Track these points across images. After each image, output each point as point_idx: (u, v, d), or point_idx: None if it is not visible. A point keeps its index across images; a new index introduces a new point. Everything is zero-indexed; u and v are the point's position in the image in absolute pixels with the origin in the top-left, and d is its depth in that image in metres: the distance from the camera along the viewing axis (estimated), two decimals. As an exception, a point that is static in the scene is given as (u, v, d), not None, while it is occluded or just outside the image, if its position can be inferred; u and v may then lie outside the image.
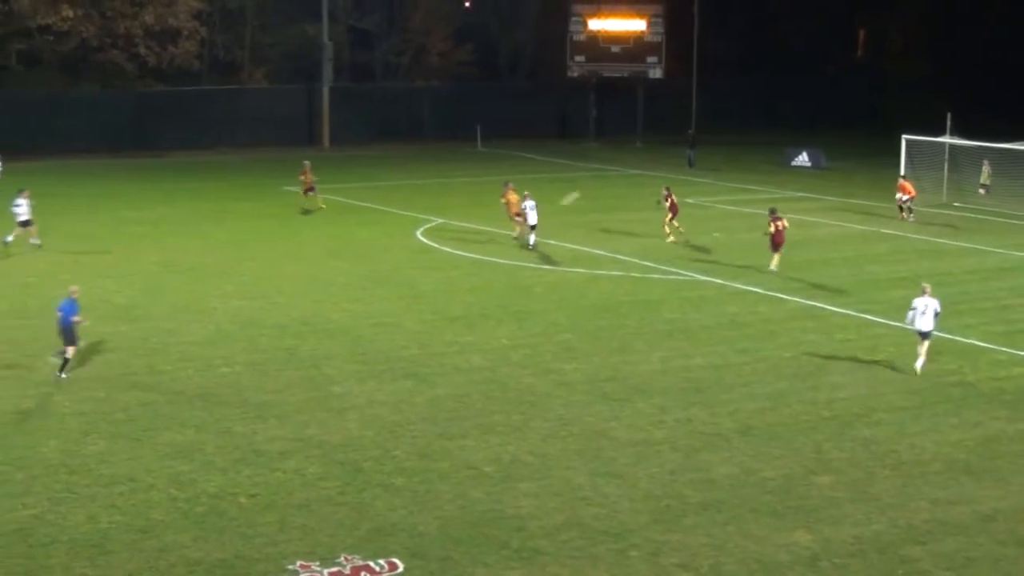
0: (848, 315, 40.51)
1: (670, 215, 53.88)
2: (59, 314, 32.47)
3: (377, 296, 42.26)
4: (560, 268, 47.68)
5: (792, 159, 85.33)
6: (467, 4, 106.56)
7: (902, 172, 65.27)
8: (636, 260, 49.10)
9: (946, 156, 66.85)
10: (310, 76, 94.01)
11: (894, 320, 39.16)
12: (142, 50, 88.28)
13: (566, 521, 23.75)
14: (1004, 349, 36.57)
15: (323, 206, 59.63)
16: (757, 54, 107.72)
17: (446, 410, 30.36)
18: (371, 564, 21.42)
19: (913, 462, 27.29)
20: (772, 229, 47.12)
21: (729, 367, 34.42)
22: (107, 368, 33.42)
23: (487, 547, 22.60)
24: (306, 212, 58.67)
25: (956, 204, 65.07)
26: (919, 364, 34.21)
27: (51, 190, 63.27)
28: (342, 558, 21.34)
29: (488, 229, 51.92)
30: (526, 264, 48.21)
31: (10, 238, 49.23)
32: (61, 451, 27.14)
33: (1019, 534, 23.51)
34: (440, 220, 57.67)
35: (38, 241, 49.76)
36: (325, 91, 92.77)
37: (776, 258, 47.07)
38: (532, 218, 50.40)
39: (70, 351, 32.38)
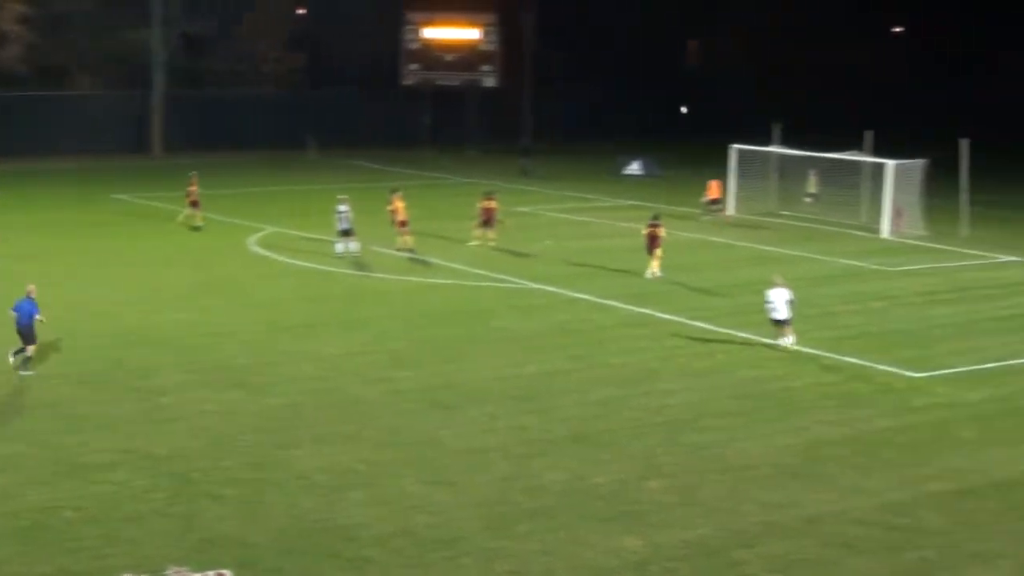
0: (678, 322, 40.96)
1: (481, 220, 54.26)
2: (14, 314, 33.16)
3: (209, 305, 41.80)
4: (392, 277, 47.56)
5: (625, 168, 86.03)
6: (300, 11, 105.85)
7: (731, 180, 66.39)
8: (469, 269, 49.17)
9: (773, 165, 67.94)
10: (141, 82, 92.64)
11: (723, 327, 39.74)
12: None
13: (398, 529, 23.68)
14: (830, 355, 37.25)
15: (201, 223, 58.33)
16: (592, 64, 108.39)
17: (277, 420, 30.13)
18: (200, 576, 21.18)
19: (741, 467, 27.68)
20: (645, 231, 47.72)
21: (560, 374, 34.62)
22: (-73, 380, 32.63)
23: (318, 557, 22.45)
24: (195, 228, 57.38)
25: (784, 212, 66.15)
26: (787, 341, 37.14)
27: None
28: (170, 570, 20.98)
29: (321, 238, 51.60)
30: (358, 273, 48.04)
31: None
32: None
33: (843, 536, 23.95)
34: (273, 228, 57.23)
35: None
36: (156, 98, 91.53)
37: (653, 264, 47.61)
38: (344, 223, 50.27)
39: (30, 349, 33.00)
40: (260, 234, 56.12)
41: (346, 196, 51.71)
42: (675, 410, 31.66)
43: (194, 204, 58.10)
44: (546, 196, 72.77)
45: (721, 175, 66.91)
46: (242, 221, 58.34)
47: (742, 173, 67.24)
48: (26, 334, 33.29)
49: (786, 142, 67.64)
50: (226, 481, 25.98)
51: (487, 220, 54.33)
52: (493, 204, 54.44)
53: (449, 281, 46.89)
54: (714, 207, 65.52)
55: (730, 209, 66.16)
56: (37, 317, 33.26)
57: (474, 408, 31.35)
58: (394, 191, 53.73)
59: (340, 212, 50.79)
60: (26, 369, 33.40)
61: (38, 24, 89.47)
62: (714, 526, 24.31)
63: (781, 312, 37.39)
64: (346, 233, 50.65)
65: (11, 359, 33.55)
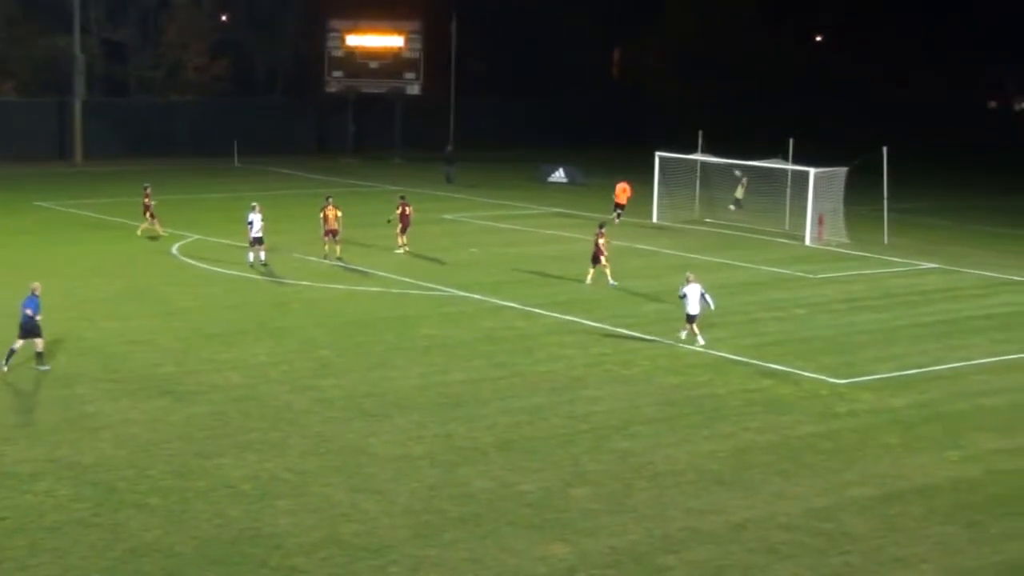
0: (604, 329, 41.10)
1: (400, 226, 54.32)
2: (27, 311, 33.94)
3: (132, 313, 41.52)
4: (318, 284, 47.42)
5: (549, 175, 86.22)
6: (223, 18, 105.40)
7: (655, 188, 66.78)
8: (395, 276, 49.10)
9: (697, 173, 68.32)
10: (62, 89, 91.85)
11: (648, 334, 39.93)
12: None
13: (325, 538, 23.62)
14: (754, 362, 37.51)
15: (163, 233, 57.53)
16: (517, 73, 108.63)
17: (203, 428, 29.96)
18: (125, 586, 21.03)
19: (668, 473, 27.83)
20: (601, 241, 47.82)
21: (487, 382, 34.65)
22: None
23: (245, 566, 22.36)
24: (153, 238, 56.79)
25: (708, 220, 66.56)
26: (684, 334, 38.80)
27: None
28: (95, 581, 20.87)
29: (245, 246, 51.32)
30: (283, 281, 47.85)
31: None
32: None
33: (768, 542, 24.13)
34: (196, 236, 56.90)
35: None
36: (77, 105, 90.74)
37: (592, 271, 47.82)
38: (256, 231, 50.05)
39: (39, 343, 34.02)
40: (183, 242, 55.78)
41: (257, 204, 51.40)
42: (601, 417, 31.77)
43: (151, 215, 57.61)
44: (471, 203, 72.84)
45: (646, 182, 67.25)
46: (164, 229, 57.90)
47: (666, 181, 67.58)
48: (30, 329, 33.88)
49: (710, 150, 68.02)
50: (151, 490, 25.82)
51: (405, 226, 54.36)
52: (408, 209, 54.49)
53: (375, 289, 46.82)
54: (621, 210, 65.89)
55: (654, 216, 66.49)
56: (29, 312, 33.86)
57: (401, 416, 31.33)
58: (327, 198, 53.53)
59: (251, 221, 50.49)
60: (41, 364, 34.28)
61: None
62: (641, 532, 24.43)
63: (695, 307, 38.60)
64: (257, 242, 50.42)
65: (8, 361, 34.27)
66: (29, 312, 33.96)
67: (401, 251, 53.92)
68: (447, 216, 66.99)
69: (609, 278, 47.71)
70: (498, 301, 44.97)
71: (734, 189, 68.07)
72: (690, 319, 38.97)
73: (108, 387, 33.11)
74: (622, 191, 66.77)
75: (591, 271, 47.96)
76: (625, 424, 31.24)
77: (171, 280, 47.65)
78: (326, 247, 51.74)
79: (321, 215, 52.18)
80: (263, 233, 50.07)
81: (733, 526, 24.91)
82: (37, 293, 34.42)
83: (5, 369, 34.12)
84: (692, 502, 26.12)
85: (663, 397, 33.73)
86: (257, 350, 37.37)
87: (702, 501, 26.20)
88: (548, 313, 43.32)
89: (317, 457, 28.21)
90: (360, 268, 50.50)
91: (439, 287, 47.30)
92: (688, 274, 39.85)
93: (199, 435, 29.45)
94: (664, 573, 22.70)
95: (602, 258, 47.74)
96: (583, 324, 41.87)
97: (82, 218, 63.20)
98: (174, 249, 54.11)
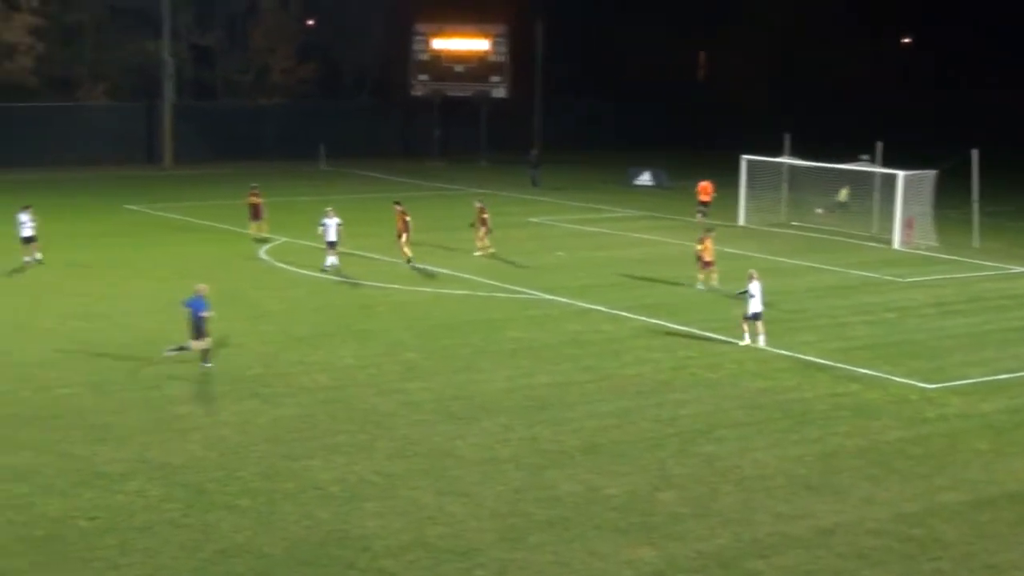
0: (691, 333, 40.97)
1: (482, 230, 54.39)
2: (188, 309, 35.22)
3: (221, 315, 41.73)
4: (404, 287, 47.60)
5: (635, 178, 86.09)
6: (310, 22, 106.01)
7: (742, 191, 66.57)
8: (481, 279, 49.20)
9: (784, 176, 67.96)
10: (151, 93, 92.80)
11: (735, 338, 39.70)
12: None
13: (412, 540, 23.69)
14: (841, 366, 37.23)
15: (268, 235, 58.07)
16: (601, 75, 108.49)
17: (291, 430, 30.15)
18: (215, 586, 21.18)
19: (755, 477, 27.68)
20: (699, 247, 47.73)
21: (573, 385, 34.62)
22: (-59, 390, 32.71)
23: (333, 568, 22.47)
24: (262, 240, 57.41)
25: (795, 223, 66.16)
26: (762, 340, 38.82)
27: None
28: (185, 581, 21.04)
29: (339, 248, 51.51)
30: (368, 284, 48.06)
31: (39, 256, 50.44)
32: None
33: (858, 547, 23.93)
34: (284, 239, 57.26)
35: (39, 256, 50.47)
36: (166, 109, 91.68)
37: (703, 275, 47.85)
38: (331, 235, 50.24)
39: (200, 343, 35.14)
40: (271, 245, 56.17)
41: (331, 208, 51.66)
42: (688, 421, 31.66)
43: (256, 215, 58.20)
44: (556, 206, 72.83)
45: (731, 185, 67.09)
46: (249, 233, 58.34)
47: (752, 184, 67.30)
48: (197, 329, 34.90)
49: (796, 153, 67.65)
50: (241, 492, 26.01)
51: (480, 225, 54.54)
52: (486, 212, 54.68)
53: (461, 292, 46.92)
54: (703, 208, 66.03)
55: (740, 220, 66.23)
56: (204, 314, 35.03)
57: (488, 419, 31.38)
58: (396, 203, 53.70)
59: (324, 224, 50.65)
60: (207, 361, 35.35)
61: (49, 35, 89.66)
62: (729, 537, 24.31)
63: (758, 305, 38.98)
64: (331, 246, 50.52)
65: (169, 353, 35.51)
66: (199, 312, 35.02)
67: (480, 253, 53.98)
68: (533, 219, 67.04)
69: (704, 282, 47.42)
70: (584, 304, 44.93)
71: (824, 193, 67.47)
72: (754, 317, 39.16)
73: (198, 389, 33.42)
74: (703, 189, 66.76)
75: (702, 275, 47.76)
76: (712, 428, 31.11)
77: (259, 283, 48.02)
78: (405, 249, 51.79)
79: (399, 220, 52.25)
80: (337, 238, 50.25)
81: (822, 531, 24.74)
82: (204, 294, 35.47)
83: (211, 366, 35.29)
84: (780, 507, 25.96)
85: (750, 401, 33.56)
86: (344, 353, 37.57)
87: (790, 506, 26.04)
88: (635, 316, 43.23)
89: (404, 460, 28.31)
90: (443, 271, 50.58)
91: (525, 290, 47.33)
92: (751, 271, 39.98)
93: (287, 437, 29.65)
94: (752, 578, 22.62)
95: (702, 262, 47.62)
96: (670, 327, 41.75)
97: (171, 221, 63.81)
98: (262, 252, 54.50)
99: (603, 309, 44.24)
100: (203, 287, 35.94)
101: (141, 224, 63.36)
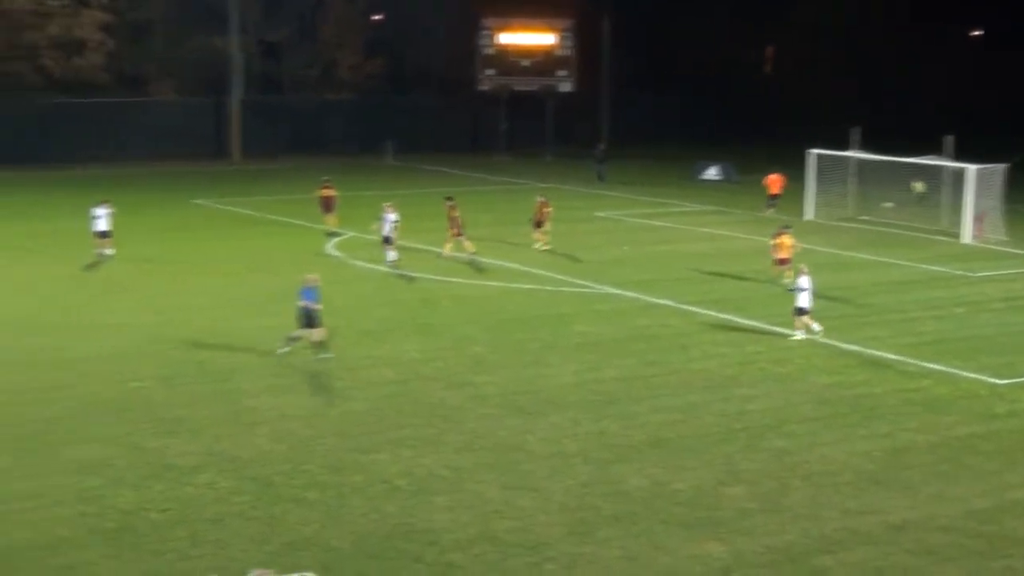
0: (758, 327, 40.79)
1: (538, 224, 54.44)
2: (302, 302, 35.81)
3: (288, 309, 41.98)
4: (470, 281, 47.67)
5: (702, 173, 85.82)
6: (377, 17, 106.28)
7: (810, 185, 66.27)
8: (547, 273, 49.21)
9: (852, 170, 67.53)
10: (219, 89, 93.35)
11: (806, 333, 39.48)
12: (47, 61, 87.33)
13: (480, 534, 23.74)
14: (911, 361, 36.97)
15: (336, 229, 58.57)
16: (667, 69, 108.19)
17: (358, 424, 30.28)
18: (284, 578, 21.28)
19: (824, 473, 27.53)
20: (775, 242, 47.66)
21: (640, 379, 34.57)
22: (13, 382, 33.02)
23: (400, 561, 22.54)
24: (332, 235, 57.84)
25: (862, 217, 65.76)
26: (817, 327, 39.00)
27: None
28: (255, 573, 21.11)
29: (402, 243, 51.65)
30: (436, 278, 48.15)
31: (110, 251, 50.94)
32: (-33, 467, 26.81)
33: (928, 544, 23.77)
34: (351, 233, 57.44)
35: (110, 251, 50.94)
36: (234, 104, 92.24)
37: (777, 272, 47.57)
38: (386, 230, 50.41)
39: (315, 334, 35.74)
40: (339, 239, 56.39)
41: (389, 204, 51.72)
42: (755, 416, 31.53)
43: (328, 208, 58.62)
44: (623, 201, 72.70)
45: (798, 179, 66.81)
46: (320, 226, 58.64)
47: (820, 178, 66.93)
48: (308, 319, 35.48)
49: (864, 146, 67.22)
50: (308, 485, 26.14)
51: (540, 221, 54.55)
52: (546, 208, 54.73)
53: (527, 286, 46.93)
54: (773, 202, 65.93)
55: (808, 214, 65.90)
56: (316, 306, 35.67)
57: (555, 413, 31.37)
58: (447, 199, 53.87)
59: (387, 220, 50.63)
60: (324, 352, 35.87)
61: (118, 32, 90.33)
62: (797, 532, 24.21)
63: (807, 299, 39.10)
64: (387, 241, 50.54)
65: (285, 348, 35.92)
66: (308, 303, 35.54)
67: (539, 246, 53.95)
68: (599, 214, 66.97)
69: (777, 278, 47.14)
70: (652, 299, 44.85)
71: (893, 187, 66.90)
72: (803, 312, 39.18)
73: (266, 382, 33.59)
74: (773, 183, 66.62)
75: (776, 272, 47.52)
76: (780, 423, 30.97)
77: (326, 277, 48.02)
78: (465, 243, 51.84)
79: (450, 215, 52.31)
80: (392, 233, 50.37)
81: (891, 527, 24.58)
82: (315, 284, 35.99)
83: (330, 356, 35.72)
84: (849, 502, 25.83)
85: (818, 396, 33.40)
86: (410, 347, 37.65)
87: (859, 501, 25.89)
88: (702, 311, 43.11)
89: (472, 453, 28.35)
90: (509, 265, 50.59)
91: (592, 284, 47.29)
92: (801, 266, 40.25)
93: (355, 431, 29.76)
94: (821, 574, 22.47)
95: (777, 259, 47.39)
96: (737, 322, 41.61)
97: (239, 215, 64.19)
98: (329, 247, 54.72)
99: (670, 304, 44.14)
100: (314, 277, 36.49)
101: (209, 218, 63.79)
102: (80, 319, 40.53)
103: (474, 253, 51.44)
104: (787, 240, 47.28)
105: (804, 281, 39.22)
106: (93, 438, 28.78)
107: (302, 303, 35.83)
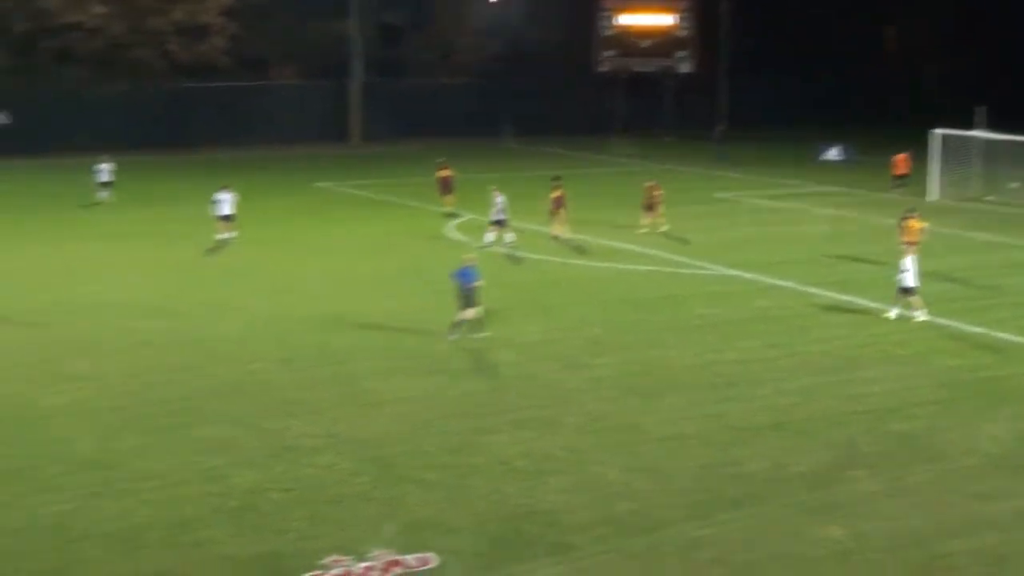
0: (880, 309, 40.31)
1: (652, 208, 54.26)
2: (458, 281, 36.32)
3: (407, 291, 42.30)
4: (587, 263, 47.61)
5: (823, 153, 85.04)
6: (494, 0, 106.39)
7: (934, 166, 65.45)
8: (665, 255, 49.03)
9: (977, 150, 66.54)
10: (338, 72, 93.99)
11: (931, 315, 38.96)
12: (171, 47, 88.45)
13: (599, 516, 23.70)
14: (1038, 344, 36.40)
15: (453, 210, 58.98)
16: (789, 50, 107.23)
17: (477, 405, 30.35)
18: (404, 559, 21.35)
19: (948, 456, 27.15)
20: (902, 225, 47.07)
21: (760, 361, 34.31)
22: (141, 364, 33.50)
23: (520, 542, 22.56)
24: (450, 216, 58.20)
25: (988, 198, 64.80)
26: (921, 314, 38.17)
27: (85, 188, 63.60)
28: (375, 553, 21.25)
29: (518, 225, 51.74)
30: (554, 259, 48.15)
31: (229, 235, 51.27)
32: (96, 447, 27.21)
33: (1055, 529, 23.40)
34: (470, 216, 57.61)
35: (230, 235, 51.28)
36: (355, 87, 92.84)
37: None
38: (496, 215, 50.52)
39: (471, 313, 36.06)
40: (458, 221, 56.58)
41: (495, 187, 51.75)
42: (877, 398, 31.14)
43: (447, 189, 58.99)
44: (743, 182, 72.27)
45: (921, 160, 65.98)
46: (439, 208, 58.86)
47: (944, 158, 66.01)
48: (467, 299, 36.00)
49: (989, 126, 66.18)
50: (428, 466, 26.23)
51: (650, 205, 54.31)
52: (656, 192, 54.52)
53: (644, 268, 46.78)
54: (899, 182, 65.17)
55: (933, 195, 65.04)
56: (475, 283, 36.13)
57: (674, 395, 31.25)
58: (553, 179, 53.88)
59: (497, 203, 50.83)
60: (479, 331, 36.23)
61: (241, 16, 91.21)
62: (920, 517, 23.88)
63: (913, 279, 38.56)
64: (499, 223, 50.69)
65: (454, 335, 36.02)
66: (470, 282, 36.02)
67: (647, 230, 53.67)
68: (719, 195, 66.61)
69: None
70: (772, 280, 44.52)
71: (1021, 166, 65.81)
72: (908, 292, 38.64)
73: (385, 364, 33.76)
74: (899, 162, 65.92)
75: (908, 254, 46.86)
76: (902, 406, 30.57)
77: (445, 258, 48.30)
78: (560, 224, 51.85)
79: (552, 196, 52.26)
80: (503, 216, 50.41)
81: (1018, 513, 24.17)
82: (472, 264, 36.59)
83: (454, 338, 35.85)
84: (974, 487, 25.44)
85: (942, 379, 32.93)
86: (529, 328, 37.65)
87: (985, 486, 25.50)
88: (823, 292, 42.71)
89: (591, 435, 28.32)
90: (627, 247, 50.49)
91: (711, 266, 47.04)
92: (907, 246, 40.39)
93: (474, 412, 29.83)
94: (944, 559, 22.15)
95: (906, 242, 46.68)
96: (857, 304, 41.16)
97: (359, 198, 64.63)
98: (449, 228, 54.92)
99: (790, 285, 43.78)
100: (471, 257, 37.09)
101: (330, 201, 64.28)
102: (204, 301, 41.00)
103: (567, 237, 51.36)
104: (915, 223, 46.54)
105: (908, 262, 38.77)
106: (216, 419, 29.10)
107: (459, 282, 36.24)
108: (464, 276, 36.21)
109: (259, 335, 36.63)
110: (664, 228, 53.88)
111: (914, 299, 38.78)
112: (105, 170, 62.72)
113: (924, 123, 69.02)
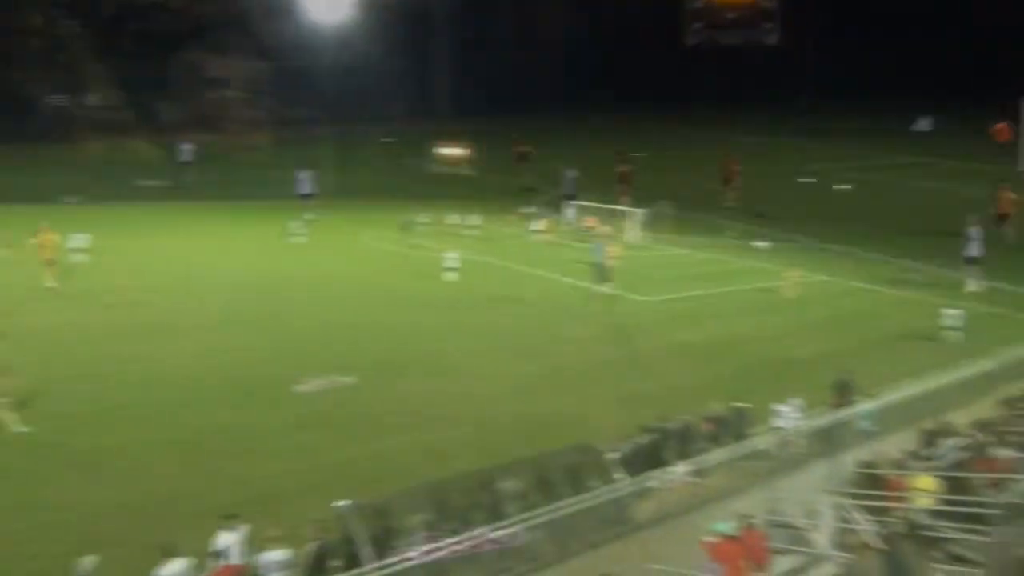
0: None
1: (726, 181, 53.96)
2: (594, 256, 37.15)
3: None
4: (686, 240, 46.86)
5: (914, 124, 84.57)
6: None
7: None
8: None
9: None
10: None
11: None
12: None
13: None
14: None
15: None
16: (871, 23, 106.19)
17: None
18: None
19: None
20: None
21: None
22: (246, 341, 33.20)
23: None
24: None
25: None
26: (973, 286, 37.33)
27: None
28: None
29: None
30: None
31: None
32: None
33: None
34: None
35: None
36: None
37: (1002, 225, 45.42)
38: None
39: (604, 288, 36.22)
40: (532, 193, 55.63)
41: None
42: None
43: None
44: (832, 154, 71.45)
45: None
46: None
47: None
48: (604, 274, 36.55)
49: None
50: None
51: (728, 178, 54.11)
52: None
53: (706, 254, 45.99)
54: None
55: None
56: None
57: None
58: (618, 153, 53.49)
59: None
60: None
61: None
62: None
63: (976, 249, 38.33)
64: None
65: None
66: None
67: (730, 203, 52.98)
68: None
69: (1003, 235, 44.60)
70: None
71: None
72: (971, 261, 38.28)
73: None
74: (999, 131, 64.12)
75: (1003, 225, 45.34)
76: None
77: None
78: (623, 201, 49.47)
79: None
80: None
81: None
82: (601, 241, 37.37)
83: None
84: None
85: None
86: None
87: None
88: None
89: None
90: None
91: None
92: (974, 217, 39.26)
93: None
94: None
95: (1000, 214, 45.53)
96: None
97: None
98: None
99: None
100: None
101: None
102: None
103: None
104: (1008, 194, 45.62)
105: (974, 231, 38.29)
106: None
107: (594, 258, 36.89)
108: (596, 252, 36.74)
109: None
110: (735, 203, 53.18)
111: (973, 268, 38.17)
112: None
113: (1016, 93, 67.67)
